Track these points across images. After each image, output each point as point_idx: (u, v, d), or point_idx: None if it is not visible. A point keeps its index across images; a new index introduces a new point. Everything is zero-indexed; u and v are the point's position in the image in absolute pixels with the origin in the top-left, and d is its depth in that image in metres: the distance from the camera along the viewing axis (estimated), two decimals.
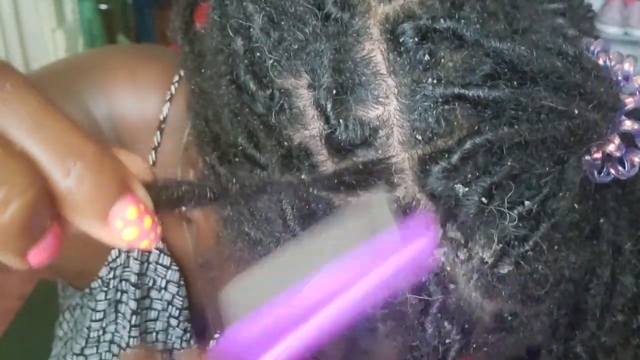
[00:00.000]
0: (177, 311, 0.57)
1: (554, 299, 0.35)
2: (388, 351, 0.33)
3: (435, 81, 0.29)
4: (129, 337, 0.56)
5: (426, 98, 0.29)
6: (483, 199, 0.29)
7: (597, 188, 0.34)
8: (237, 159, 0.34)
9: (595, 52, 0.32)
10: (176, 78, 0.50)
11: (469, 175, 0.29)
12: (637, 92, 0.31)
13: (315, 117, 0.30)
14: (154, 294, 0.56)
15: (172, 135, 0.50)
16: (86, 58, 0.53)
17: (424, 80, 0.29)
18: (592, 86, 0.30)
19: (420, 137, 0.29)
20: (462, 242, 0.30)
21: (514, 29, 0.30)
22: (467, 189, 0.29)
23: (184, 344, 0.58)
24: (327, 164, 0.31)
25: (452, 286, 0.31)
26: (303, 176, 0.31)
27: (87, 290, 0.57)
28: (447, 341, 0.31)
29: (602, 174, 0.32)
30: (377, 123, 0.29)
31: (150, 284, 0.56)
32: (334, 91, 0.29)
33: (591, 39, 0.33)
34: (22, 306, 1.64)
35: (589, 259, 0.36)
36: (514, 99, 0.28)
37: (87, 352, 0.58)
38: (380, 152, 0.30)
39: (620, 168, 0.31)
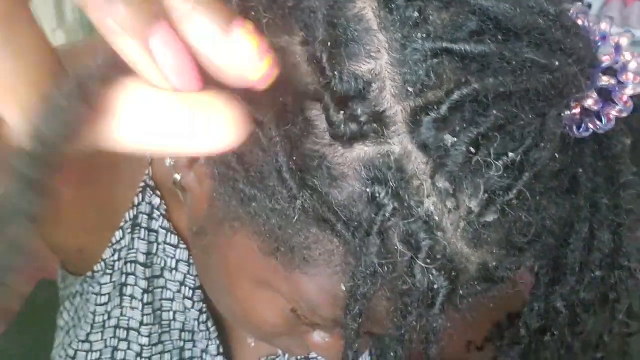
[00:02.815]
0: (191, 291, 0.57)
1: (536, 250, 0.37)
2: (380, 298, 0.34)
3: (424, 36, 0.30)
4: (142, 315, 0.56)
5: (416, 52, 0.30)
6: (471, 148, 0.31)
7: (576, 144, 0.36)
8: None
9: (575, 14, 0.34)
10: None
11: (457, 126, 0.31)
12: (613, 51, 0.32)
13: (309, 72, 0.32)
14: (167, 274, 0.57)
15: None
16: (80, 49, 0.53)
17: (414, 36, 0.30)
18: (572, 43, 0.31)
19: (411, 90, 0.30)
20: (451, 191, 0.31)
21: None
22: (455, 139, 0.31)
23: (201, 327, 0.59)
24: (320, 118, 0.32)
25: (440, 234, 0.32)
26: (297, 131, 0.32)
27: (88, 274, 0.57)
28: (435, 286, 0.33)
29: (581, 129, 0.34)
30: (370, 77, 0.31)
31: (163, 265, 0.56)
32: (329, 44, 0.31)
33: (569, 2, 0.35)
34: (22, 306, 1.63)
35: (568, 213, 0.38)
36: (499, 54, 0.30)
37: (92, 338, 0.58)
38: (374, 104, 0.31)
39: (598, 122, 0.33)
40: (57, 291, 0.67)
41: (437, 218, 0.32)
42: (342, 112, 0.31)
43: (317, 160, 0.32)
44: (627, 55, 0.32)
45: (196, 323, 0.59)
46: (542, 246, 0.37)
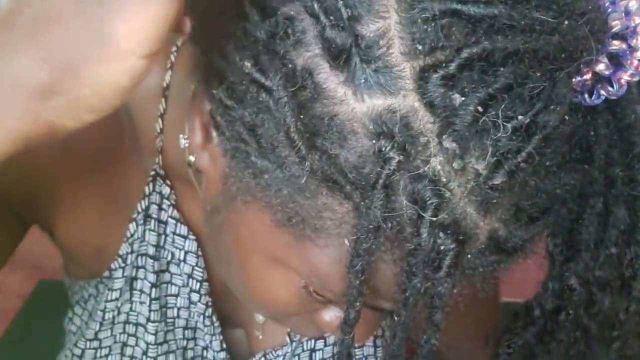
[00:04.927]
0: (198, 284, 0.57)
1: (547, 221, 0.36)
2: (386, 257, 0.34)
3: None
4: (149, 310, 0.56)
5: (425, 11, 0.30)
6: (479, 108, 0.31)
7: (589, 114, 0.36)
8: (243, 87, 0.35)
9: None
10: (174, 48, 0.52)
11: (466, 85, 0.31)
12: (623, 15, 0.32)
13: (317, 35, 0.32)
14: (173, 268, 0.57)
15: (176, 101, 0.51)
16: None
17: None
18: (581, 5, 0.32)
19: (420, 48, 0.31)
20: (457, 152, 0.31)
21: None
22: (463, 98, 0.31)
23: (206, 321, 0.58)
24: (329, 80, 0.32)
25: (447, 194, 0.32)
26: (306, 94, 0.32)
27: (105, 274, 0.57)
28: (442, 248, 0.33)
29: (593, 96, 0.34)
30: (377, 34, 0.31)
31: (169, 258, 0.56)
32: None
33: None
34: (22, 306, 1.64)
35: (581, 184, 0.37)
36: (507, 15, 0.30)
37: (101, 335, 0.58)
38: (381, 62, 0.31)
39: (609, 88, 0.33)
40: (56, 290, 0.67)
41: (444, 179, 0.32)
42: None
43: (326, 120, 0.32)
44: (637, 19, 0.32)
45: (201, 318, 0.58)
46: (554, 217, 0.37)
